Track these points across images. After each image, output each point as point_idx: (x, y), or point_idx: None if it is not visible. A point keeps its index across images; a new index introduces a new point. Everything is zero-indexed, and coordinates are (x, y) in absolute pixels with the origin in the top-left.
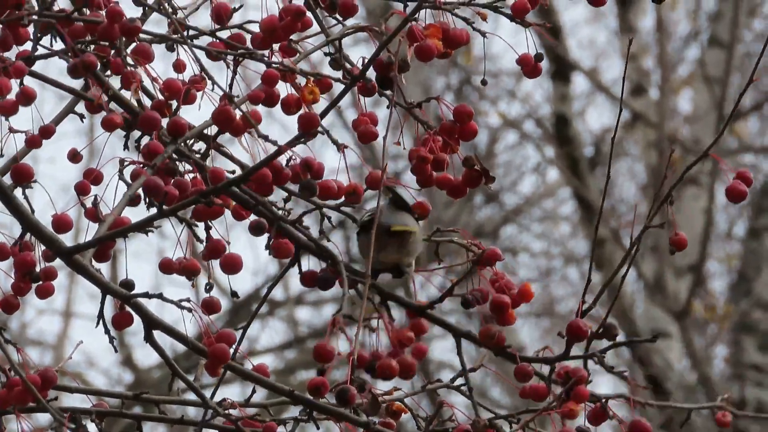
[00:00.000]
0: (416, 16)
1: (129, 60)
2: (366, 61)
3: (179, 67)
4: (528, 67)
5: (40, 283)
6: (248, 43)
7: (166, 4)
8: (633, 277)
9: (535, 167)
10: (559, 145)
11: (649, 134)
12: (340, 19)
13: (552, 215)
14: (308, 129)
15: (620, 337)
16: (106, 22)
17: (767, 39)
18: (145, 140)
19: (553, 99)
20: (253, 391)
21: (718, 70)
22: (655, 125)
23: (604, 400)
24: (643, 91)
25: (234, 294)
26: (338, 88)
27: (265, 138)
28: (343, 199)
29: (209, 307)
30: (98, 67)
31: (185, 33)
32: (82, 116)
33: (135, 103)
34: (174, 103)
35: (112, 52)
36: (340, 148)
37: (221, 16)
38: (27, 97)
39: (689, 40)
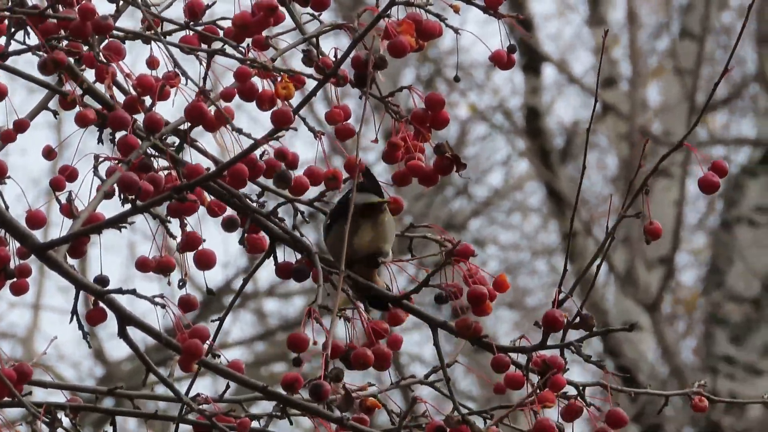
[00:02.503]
0: (389, 12)
1: (101, 57)
2: (340, 56)
3: (153, 64)
4: (501, 62)
5: (15, 280)
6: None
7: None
8: (604, 269)
9: (505, 160)
10: (530, 138)
11: (619, 126)
12: (314, 13)
13: (521, 207)
14: (282, 124)
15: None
16: (78, 20)
17: (740, 31)
18: (121, 134)
19: (524, 91)
20: (227, 387)
21: (689, 62)
22: (626, 117)
23: (581, 388)
24: (614, 82)
25: (210, 291)
26: (311, 81)
27: (239, 131)
28: (322, 186)
29: (186, 305)
30: (68, 65)
31: (159, 29)
32: (55, 113)
33: (109, 98)
34: (147, 99)
35: (85, 48)
36: (317, 135)
37: (195, 11)
38: None
39: (660, 32)
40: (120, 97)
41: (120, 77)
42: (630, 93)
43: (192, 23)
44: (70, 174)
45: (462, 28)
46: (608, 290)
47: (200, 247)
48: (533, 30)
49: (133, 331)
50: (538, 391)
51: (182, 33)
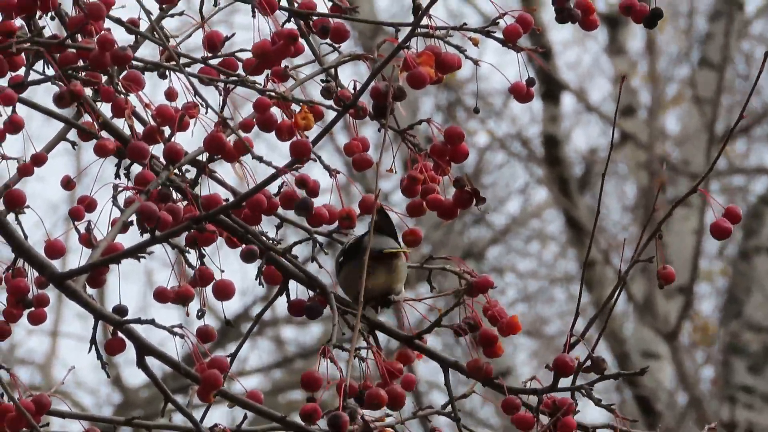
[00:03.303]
0: (408, 43)
1: (120, 87)
2: (359, 86)
3: (171, 95)
4: (521, 94)
5: (32, 309)
6: (240, 69)
7: (158, 31)
8: (623, 298)
9: (523, 187)
10: (548, 166)
11: (638, 155)
12: (333, 44)
13: (539, 235)
14: (301, 155)
15: (608, 358)
16: (97, 50)
17: (763, 63)
18: (137, 169)
19: (542, 120)
20: (245, 417)
21: (709, 91)
22: (645, 146)
23: (591, 429)
24: (633, 111)
25: (228, 323)
26: (330, 112)
27: (260, 159)
28: (336, 224)
29: (204, 335)
30: (86, 95)
31: (177, 60)
32: (74, 144)
33: (128, 129)
34: (166, 129)
35: (104, 79)
36: (332, 173)
37: (214, 44)
38: (15, 126)
39: (680, 60)
40: (138, 128)
41: (139, 107)
42: (648, 122)
43: (210, 56)
44: (89, 204)
45: (480, 57)
46: (627, 319)
47: (219, 278)
48: (552, 58)
49: (150, 359)
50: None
51: (200, 65)
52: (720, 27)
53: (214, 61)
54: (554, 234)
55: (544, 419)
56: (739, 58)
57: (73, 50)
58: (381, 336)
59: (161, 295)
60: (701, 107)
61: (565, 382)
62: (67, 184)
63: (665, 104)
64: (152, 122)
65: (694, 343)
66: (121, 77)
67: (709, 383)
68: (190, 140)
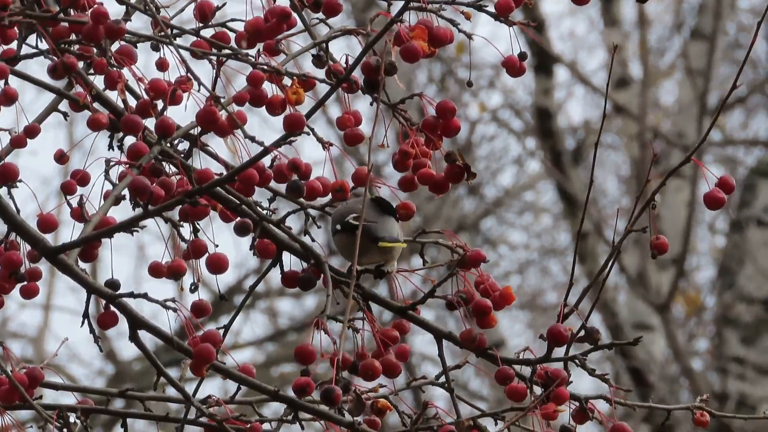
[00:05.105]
0: (401, 17)
1: (113, 61)
2: (351, 61)
3: (163, 65)
4: (513, 69)
5: (25, 283)
6: (232, 42)
7: (150, 4)
8: (615, 270)
9: (516, 159)
10: (541, 139)
11: (631, 127)
12: (323, 18)
13: (533, 207)
14: (294, 129)
15: (601, 330)
16: (91, 23)
17: (755, 32)
18: (130, 140)
19: (535, 92)
20: (238, 389)
21: (701, 63)
22: (637, 117)
23: (584, 400)
24: (626, 83)
25: (222, 297)
26: (322, 85)
27: (252, 139)
28: (329, 196)
29: (198, 310)
30: (79, 68)
31: (169, 32)
32: (65, 114)
33: (121, 104)
34: (159, 103)
35: (95, 51)
36: (326, 146)
37: (205, 13)
38: (8, 98)
39: (673, 31)
40: (132, 102)
41: (131, 81)
42: (641, 93)
43: (202, 26)
44: (81, 178)
45: (473, 30)
46: (619, 291)
47: (212, 251)
48: (545, 30)
49: (143, 333)
50: (541, 402)
51: (192, 38)
52: None
53: (207, 33)
54: (548, 206)
55: (538, 390)
56: (734, 29)
57: (66, 24)
58: (374, 307)
59: (155, 270)
60: (693, 79)
61: (558, 352)
62: (60, 158)
63: (659, 76)
64: (145, 96)
65: (687, 315)
66: (114, 51)
67: (703, 355)
68: (183, 114)
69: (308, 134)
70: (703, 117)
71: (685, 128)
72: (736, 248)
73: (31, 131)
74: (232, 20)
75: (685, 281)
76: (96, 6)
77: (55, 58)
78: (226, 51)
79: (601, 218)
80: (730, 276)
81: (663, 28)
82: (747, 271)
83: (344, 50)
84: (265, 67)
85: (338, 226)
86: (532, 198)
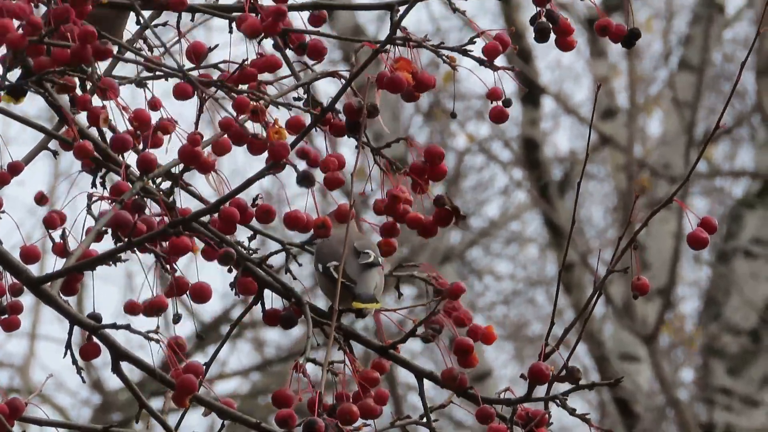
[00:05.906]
0: (386, 47)
1: (97, 94)
2: (333, 98)
3: (155, 104)
4: (498, 117)
5: (5, 317)
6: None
7: (142, 43)
8: (601, 301)
9: (503, 189)
10: (528, 169)
11: (617, 158)
12: (308, 62)
13: (519, 237)
14: (278, 159)
15: (588, 360)
16: (78, 44)
17: (741, 66)
18: (113, 178)
19: (522, 123)
20: (222, 425)
21: (688, 94)
22: (624, 148)
23: None
24: (612, 114)
25: (199, 336)
26: (307, 119)
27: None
28: (311, 233)
29: (176, 347)
30: (63, 106)
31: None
32: (55, 153)
33: (107, 131)
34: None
35: (77, 83)
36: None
37: (198, 54)
38: None
39: (661, 62)
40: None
41: (114, 112)
42: (628, 124)
43: (191, 69)
44: (62, 217)
45: (460, 61)
46: (606, 322)
47: (196, 281)
48: (532, 61)
49: (127, 363)
50: None
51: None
52: (699, 30)
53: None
54: (534, 236)
55: (519, 431)
56: (720, 59)
57: (48, 56)
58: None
59: (131, 309)
60: (680, 110)
61: (540, 390)
62: (41, 199)
63: (646, 106)
64: (129, 126)
65: (673, 345)
66: (97, 77)
67: (689, 385)
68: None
69: (294, 166)
70: (690, 148)
71: (672, 159)
72: (722, 279)
73: (15, 169)
74: (224, 62)
75: (671, 312)
76: (83, 26)
77: (40, 90)
78: (214, 86)
79: (587, 249)
80: (717, 307)
81: (652, 58)
82: (733, 302)
83: (331, 85)
84: (250, 95)
85: (320, 267)
86: (518, 228)
